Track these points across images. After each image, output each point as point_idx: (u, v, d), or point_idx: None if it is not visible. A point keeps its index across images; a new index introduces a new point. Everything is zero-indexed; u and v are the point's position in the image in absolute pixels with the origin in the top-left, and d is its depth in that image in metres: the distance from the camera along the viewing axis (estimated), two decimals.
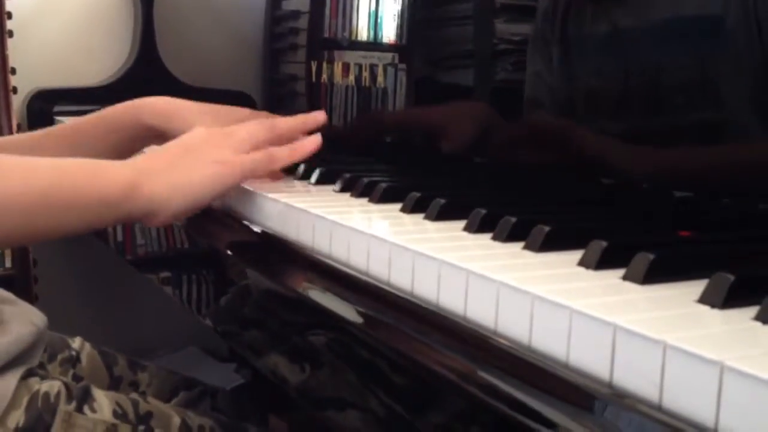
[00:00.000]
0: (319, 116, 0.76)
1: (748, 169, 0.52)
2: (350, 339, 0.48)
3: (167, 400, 0.83)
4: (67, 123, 0.90)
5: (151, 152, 0.66)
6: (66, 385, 0.70)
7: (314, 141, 0.71)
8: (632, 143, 0.60)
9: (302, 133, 0.74)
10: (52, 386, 0.69)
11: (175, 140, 0.68)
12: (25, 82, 1.39)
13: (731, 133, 0.53)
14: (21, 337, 0.70)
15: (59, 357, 0.84)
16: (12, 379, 0.67)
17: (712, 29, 0.53)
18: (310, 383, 0.55)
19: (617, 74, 0.61)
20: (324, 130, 0.76)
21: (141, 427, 0.71)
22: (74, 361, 0.86)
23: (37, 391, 0.67)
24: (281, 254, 0.61)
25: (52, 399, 0.68)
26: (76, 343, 0.89)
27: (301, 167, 0.76)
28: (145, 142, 0.86)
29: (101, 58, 1.49)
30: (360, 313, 0.48)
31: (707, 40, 0.54)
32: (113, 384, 0.87)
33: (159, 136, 0.83)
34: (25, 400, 0.66)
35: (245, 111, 0.87)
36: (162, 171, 0.63)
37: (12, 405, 0.65)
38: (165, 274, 0.87)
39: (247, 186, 0.68)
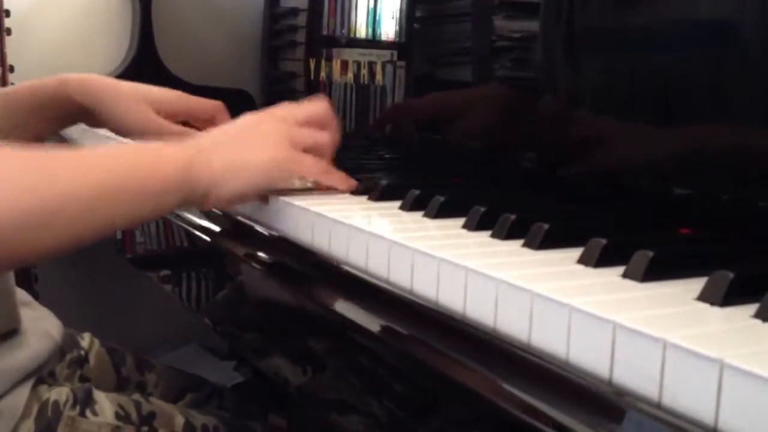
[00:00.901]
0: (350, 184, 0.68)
1: (748, 167, 0.51)
2: (354, 343, 0.48)
3: (174, 402, 0.82)
4: (5, 89, 0.88)
5: (208, 134, 0.63)
6: (72, 390, 0.70)
7: (352, 185, 0.66)
8: (634, 141, 0.60)
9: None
10: (60, 393, 0.69)
11: (233, 122, 0.65)
12: (24, 80, 1.39)
13: (732, 130, 0.53)
14: (38, 353, 0.70)
15: (68, 357, 0.84)
16: (24, 390, 0.67)
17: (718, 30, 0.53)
18: (312, 385, 0.55)
19: (623, 71, 0.61)
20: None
21: (144, 428, 0.71)
22: (82, 361, 0.86)
23: (47, 400, 0.67)
24: (283, 250, 0.61)
25: (60, 406, 0.68)
26: (85, 340, 0.88)
27: None
28: (76, 118, 0.85)
29: (99, 56, 1.49)
30: (363, 314, 0.48)
31: (713, 40, 0.54)
32: (120, 385, 0.87)
33: (89, 114, 0.81)
34: (35, 409, 0.66)
35: (172, 93, 0.83)
36: (218, 149, 0.60)
37: (23, 415, 0.65)
38: (164, 272, 0.87)
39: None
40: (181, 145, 0.60)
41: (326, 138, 0.64)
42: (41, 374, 0.70)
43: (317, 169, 0.62)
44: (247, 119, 0.63)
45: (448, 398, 0.41)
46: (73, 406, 0.69)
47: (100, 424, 0.69)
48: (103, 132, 0.96)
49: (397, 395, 0.45)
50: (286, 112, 0.64)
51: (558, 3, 0.65)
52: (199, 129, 0.81)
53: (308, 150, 0.62)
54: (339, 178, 0.65)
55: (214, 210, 0.69)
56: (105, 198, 0.54)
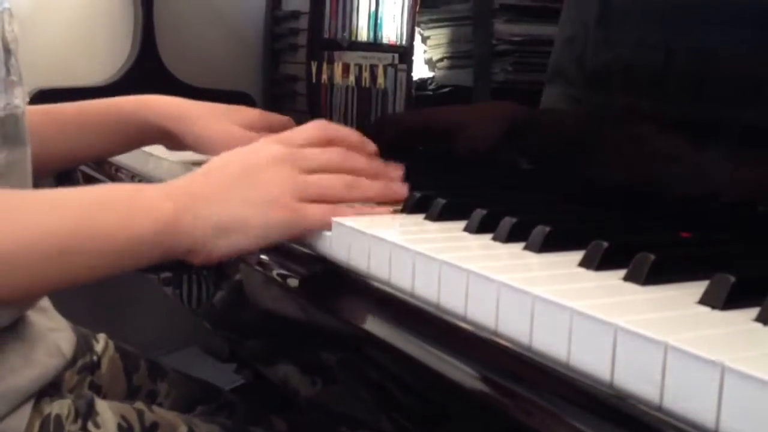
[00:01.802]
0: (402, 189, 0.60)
1: (749, 171, 0.52)
2: (365, 357, 0.47)
3: (184, 413, 0.81)
4: (69, 106, 0.85)
5: (202, 172, 0.56)
6: (74, 403, 0.69)
7: (400, 192, 0.59)
8: (636, 144, 0.60)
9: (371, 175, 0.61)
10: (62, 406, 0.67)
11: (232, 156, 0.56)
12: (26, 82, 1.39)
13: (733, 134, 0.53)
14: (46, 373, 0.68)
15: (80, 362, 0.82)
16: (27, 408, 0.65)
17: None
18: (321, 397, 0.54)
19: (623, 72, 0.61)
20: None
21: None
22: (94, 368, 0.84)
23: (49, 415, 0.65)
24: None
25: (62, 420, 0.66)
26: (99, 343, 0.85)
27: None
28: (153, 140, 0.84)
29: (102, 58, 1.49)
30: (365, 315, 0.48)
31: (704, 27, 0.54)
32: (130, 393, 0.85)
33: (166, 137, 0.81)
34: (36, 425, 0.64)
35: (254, 111, 0.82)
36: (211, 202, 0.53)
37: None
38: (165, 274, 0.87)
39: None
40: (169, 192, 0.54)
41: (337, 156, 0.57)
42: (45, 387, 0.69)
43: (325, 223, 0.54)
44: (246, 158, 0.56)
45: (463, 420, 0.41)
46: (75, 419, 0.68)
47: None
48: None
49: (407, 409, 0.45)
50: (285, 142, 0.57)
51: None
52: None
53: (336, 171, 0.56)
54: (376, 192, 0.58)
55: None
56: (68, 250, 0.49)
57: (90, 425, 0.67)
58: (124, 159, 0.92)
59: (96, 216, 0.51)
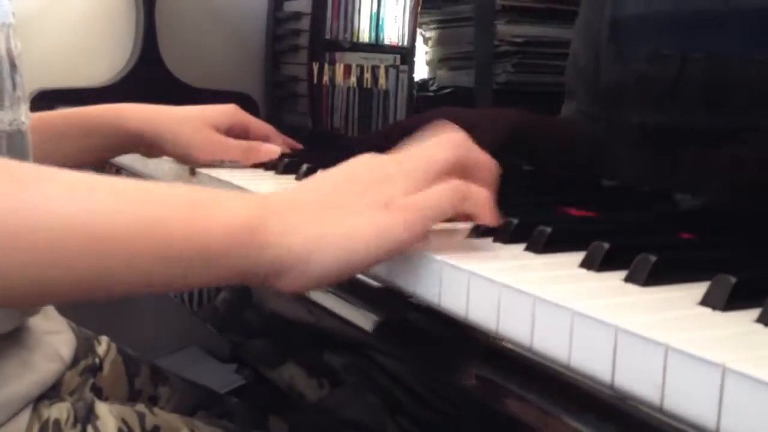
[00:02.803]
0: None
1: (750, 172, 0.51)
2: (372, 361, 0.47)
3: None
4: (55, 114, 0.86)
5: (295, 185, 0.48)
6: (73, 406, 0.69)
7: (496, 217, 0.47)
8: (636, 145, 0.60)
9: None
10: (60, 410, 0.66)
11: (335, 169, 0.46)
12: (27, 83, 1.39)
13: (733, 136, 0.53)
14: (45, 378, 0.67)
15: (82, 363, 0.82)
16: (26, 414, 0.64)
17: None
18: (327, 401, 0.54)
19: (623, 73, 0.61)
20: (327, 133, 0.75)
21: None
22: (96, 370, 0.84)
23: (47, 419, 0.65)
24: None
25: (61, 425, 0.66)
26: (102, 345, 0.85)
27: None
28: (131, 148, 0.85)
29: (103, 59, 1.49)
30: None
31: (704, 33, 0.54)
32: (132, 397, 0.85)
33: (144, 144, 0.82)
34: (35, 430, 0.64)
35: (230, 109, 0.84)
36: (305, 210, 0.43)
37: None
38: None
39: None
40: (240, 198, 0.44)
41: (458, 194, 0.45)
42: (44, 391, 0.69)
43: (444, 220, 0.45)
44: (345, 166, 0.46)
45: (448, 400, 0.41)
46: (74, 424, 0.67)
47: None
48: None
49: (414, 415, 0.45)
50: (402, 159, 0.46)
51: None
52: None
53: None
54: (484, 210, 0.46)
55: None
56: (113, 251, 0.38)
57: (89, 429, 0.67)
58: (125, 160, 0.92)
59: (151, 214, 0.40)
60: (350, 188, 0.44)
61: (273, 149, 0.81)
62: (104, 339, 0.87)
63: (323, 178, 0.46)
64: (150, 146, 0.82)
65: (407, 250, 0.43)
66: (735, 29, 0.52)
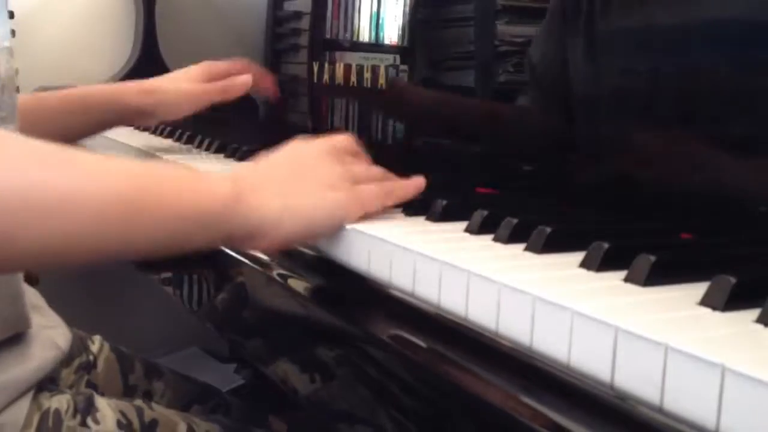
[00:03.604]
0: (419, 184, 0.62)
1: (750, 172, 0.51)
2: (364, 354, 0.48)
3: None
4: (54, 93, 0.95)
5: (260, 164, 0.56)
6: (73, 398, 0.69)
7: (420, 183, 0.61)
8: (636, 145, 0.60)
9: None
10: (60, 401, 0.68)
11: (285, 151, 0.58)
12: (28, 82, 1.39)
13: (734, 136, 0.53)
14: (44, 365, 0.68)
15: (76, 361, 0.83)
16: (26, 401, 0.65)
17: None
18: (320, 395, 0.54)
19: (622, 73, 0.61)
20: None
21: None
22: (90, 367, 0.85)
23: (48, 409, 0.66)
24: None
25: (61, 415, 0.67)
26: (95, 344, 0.87)
27: None
28: (129, 120, 0.96)
29: (103, 58, 1.49)
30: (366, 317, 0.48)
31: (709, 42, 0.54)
32: (127, 393, 0.86)
33: (141, 114, 0.93)
34: (36, 419, 0.65)
35: (205, 64, 0.96)
36: (273, 187, 0.53)
37: (24, 425, 0.64)
38: (166, 274, 0.87)
39: None
40: (227, 176, 0.53)
41: (379, 172, 0.60)
42: (43, 381, 0.69)
43: (381, 200, 0.57)
44: (294, 152, 0.58)
45: (451, 402, 0.41)
46: (74, 414, 0.68)
47: None
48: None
49: (405, 406, 0.45)
50: (330, 145, 0.59)
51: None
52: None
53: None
54: (404, 191, 0.59)
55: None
56: (123, 214, 0.45)
57: (89, 420, 0.68)
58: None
59: (153, 186, 0.48)
60: (304, 170, 0.55)
61: (245, 80, 0.93)
62: (97, 338, 0.88)
63: (275, 160, 0.57)
64: (147, 117, 0.94)
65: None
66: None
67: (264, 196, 0.51)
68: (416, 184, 0.60)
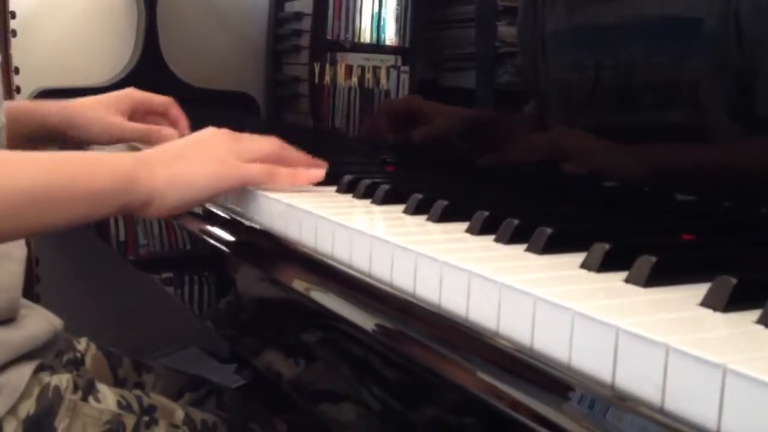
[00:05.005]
0: (321, 171, 0.70)
1: (750, 173, 0.52)
2: (344, 335, 0.48)
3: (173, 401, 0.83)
4: (23, 103, 0.98)
5: (159, 146, 0.67)
6: (74, 378, 0.71)
7: (318, 174, 0.68)
8: (635, 145, 0.60)
9: (304, 166, 0.71)
10: (61, 379, 0.70)
11: (186, 137, 0.69)
12: (29, 82, 1.39)
13: (734, 136, 0.53)
14: (36, 334, 0.72)
15: (65, 358, 0.85)
16: (26, 371, 0.68)
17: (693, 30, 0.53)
18: (304, 377, 0.55)
19: (623, 74, 0.61)
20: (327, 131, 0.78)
21: (145, 418, 0.73)
22: (78, 363, 0.86)
23: (48, 384, 0.69)
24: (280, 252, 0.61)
25: (62, 391, 0.69)
26: (81, 344, 0.89)
27: None
28: (49, 140, 0.93)
29: (104, 58, 1.49)
30: (367, 317, 0.48)
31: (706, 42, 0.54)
32: (117, 385, 0.87)
33: (60, 135, 0.91)
34: (36, 391, 0.68)
35: (139, 92, 0.95)
36: (163, 162, 0.62)
37: (24, 395, 0.67)
38: (167, 274, 0.87)
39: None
40: (125, 156, 0.63)
41: (273, 144, 0.67)
42: (41, 360, 0.71)
43: (263, 176, 0.65)
44: (195, 135, 0.67)
45: (442, 393, 0.41)
46: (75, 391, 0.70)
47: (102, 410, 0.70)
48: None
49: (388, 388, 0.46)
50: (236, 135, 0.67)
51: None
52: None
53: (264, 160, 0.65)
54: (286, 177, 0.66)
55: (213, 209, 0.72)
56: (33, 201, 0.56)
57: (91, 399, 0.71)
58: None
59: (67, 168, 0.59)
60: (195, 148, 0.65)
61: (170, 134, 0.92)
62: (83, 339, 0.90)
63: (179, 141, 0.68)
64: (66, 137, 0.93)
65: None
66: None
67: (154, 169, 0.61)
68: (309, 175, 0.67)
